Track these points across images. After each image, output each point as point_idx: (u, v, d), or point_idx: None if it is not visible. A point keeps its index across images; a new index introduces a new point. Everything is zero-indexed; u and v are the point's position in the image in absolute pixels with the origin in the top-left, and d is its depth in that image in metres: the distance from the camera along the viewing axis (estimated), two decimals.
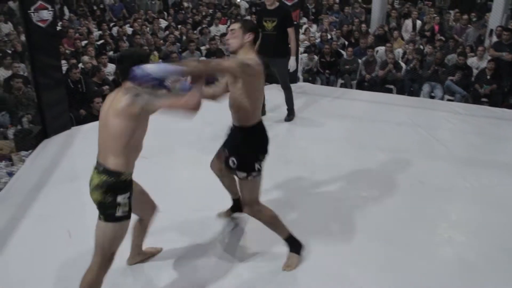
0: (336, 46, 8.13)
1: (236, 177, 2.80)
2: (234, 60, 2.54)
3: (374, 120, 5.61)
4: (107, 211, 2.23)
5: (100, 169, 2.25)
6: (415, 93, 7.16)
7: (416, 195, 3.83)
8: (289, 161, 4.38)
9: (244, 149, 2.69)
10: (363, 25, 9.02)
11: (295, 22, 5.69)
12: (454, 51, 7.72)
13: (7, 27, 9.23)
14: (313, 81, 7.62)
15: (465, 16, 9.15)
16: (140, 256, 2.90)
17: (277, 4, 5.10)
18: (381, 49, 8.09)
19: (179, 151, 4.57)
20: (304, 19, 9.94)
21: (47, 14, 4.73)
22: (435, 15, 9.61)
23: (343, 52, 8.07)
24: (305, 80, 7.51)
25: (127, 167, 2.27)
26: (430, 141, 4.99)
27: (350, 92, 7.08)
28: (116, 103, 2.22)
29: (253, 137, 2.69)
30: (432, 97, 6.98)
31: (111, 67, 6.90)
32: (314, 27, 9.73)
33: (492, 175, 4.17)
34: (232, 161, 2.70)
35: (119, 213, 2.23)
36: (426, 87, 7.08)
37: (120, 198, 2.22)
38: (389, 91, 7.25)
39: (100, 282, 2.33)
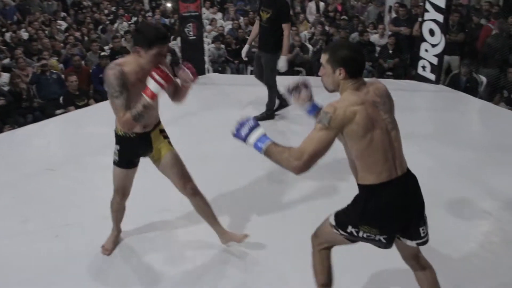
0: (243, 34, 8.07)
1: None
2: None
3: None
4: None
5: None
6: None
7: None
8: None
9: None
10: None
11: None
12: (357, 30, 7.97)
13: None
14: (223, 71, 7.53)
15: None
16: (224, 237, 2.85)
17: None
18: None
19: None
20: (207, 9, 9.77)
21: None
22: None
23: None
24: (215, 71, 7.39)
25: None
26: None
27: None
28: None
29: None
30: None
31: (5, 77, 6.35)
32: (219, 15, 9.62)
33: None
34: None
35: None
36: None
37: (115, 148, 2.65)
38: (298, 73, 7.32)
39: None
